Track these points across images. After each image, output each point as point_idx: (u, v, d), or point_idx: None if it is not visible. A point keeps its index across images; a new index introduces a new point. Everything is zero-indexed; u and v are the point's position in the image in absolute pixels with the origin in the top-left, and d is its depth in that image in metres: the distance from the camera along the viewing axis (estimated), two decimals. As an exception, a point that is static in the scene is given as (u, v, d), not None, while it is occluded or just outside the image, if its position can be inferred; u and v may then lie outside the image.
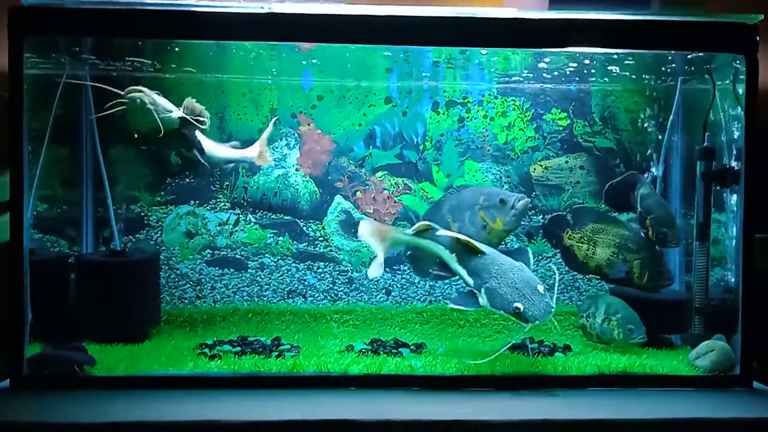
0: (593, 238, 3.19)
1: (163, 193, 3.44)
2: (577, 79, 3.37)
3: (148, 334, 3.13)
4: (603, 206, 3.39)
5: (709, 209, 2.99)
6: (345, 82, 3.46)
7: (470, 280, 2.73)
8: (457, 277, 2.85)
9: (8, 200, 2.61)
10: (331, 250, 3.52)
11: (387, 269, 3.52)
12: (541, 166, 3.55)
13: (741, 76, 2.76)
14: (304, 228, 3.51)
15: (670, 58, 3.00)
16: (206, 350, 2.90)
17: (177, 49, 2.97)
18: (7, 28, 2.56)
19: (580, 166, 3.55)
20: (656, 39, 2.74)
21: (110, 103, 2.71)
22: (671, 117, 3.33)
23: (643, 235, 3.14)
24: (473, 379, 2.69)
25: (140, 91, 2.71)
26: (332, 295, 3.51)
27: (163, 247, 3.43)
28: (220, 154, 3.17)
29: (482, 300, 2.66)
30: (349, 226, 3.50)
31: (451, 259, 2.82)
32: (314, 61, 3.16)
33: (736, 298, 2.78)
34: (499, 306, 2.61)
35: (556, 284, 2.75)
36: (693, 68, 3.12)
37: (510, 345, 2.72)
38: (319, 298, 3.51)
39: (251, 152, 3.26)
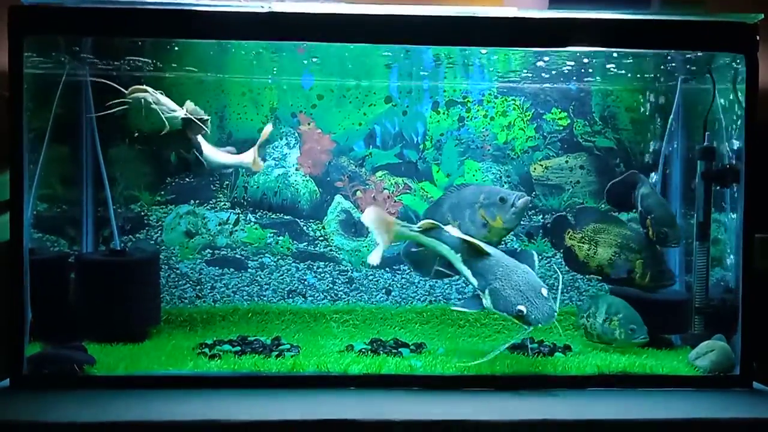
0: (595, 238, 3.19)
1: (163, 192, 3.45)
2: (583, 77, 3.37)
3: (148, 333, 3.13)
4: (603, 206, 3.39)
5: (709, 209, 2.99)
6: (345, 82, 3.47)
7: (474, 281, 2.73)
8: (458, 277, 2.85)
9: (8, 200, 2.61)
10: (331, 250, 3.52)
11: (387, 269, 3.52)
12: (542, 165, 3.55)
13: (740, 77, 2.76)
14: (304, 227, 3.51)
15: (669, 57, 3.00)
16: (206, 350, 2.90)
17: (177, 48, 2.97)
18: (7, 27, 2.56)
19: (580, 166, 3.55)
20: (656, 39, 2.73)
21: (113, 102, 2.71)
22: (671, 117, 3.33)
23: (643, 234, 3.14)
24: (473, 379, 2.69)
25: (144, 91, 2.71)
26: (332, 294, 3.51)
27: (163, 247, 3.44)
28: (218, 159, 3.17)
29: (486, 301, 2.67)
30: (349, 226, 3.50)
31: (456, 259, 2.82)
32: (314, 59, 3.16)
33: (736, 298, 2.78)
34: (503, 308, 2.62)
35: (560, 287, 2.75)
36: (694, 68, 3.12)
37: (496, 353, 2.71)
38: (319, 298, 3.51)
39: (247, 158, 3.25)
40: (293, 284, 3.50)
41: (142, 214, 3.43)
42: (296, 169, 3.50)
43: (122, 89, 2.72)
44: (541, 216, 3.55)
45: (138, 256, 3.26)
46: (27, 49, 2.60)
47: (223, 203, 3.49)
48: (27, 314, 2.63)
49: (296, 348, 2.96)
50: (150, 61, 3.10)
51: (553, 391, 2.65)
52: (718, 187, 2.97)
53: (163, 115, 2.72)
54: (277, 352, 2.86)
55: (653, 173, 3.40)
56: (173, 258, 3.44)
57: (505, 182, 3.53)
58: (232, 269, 3.48)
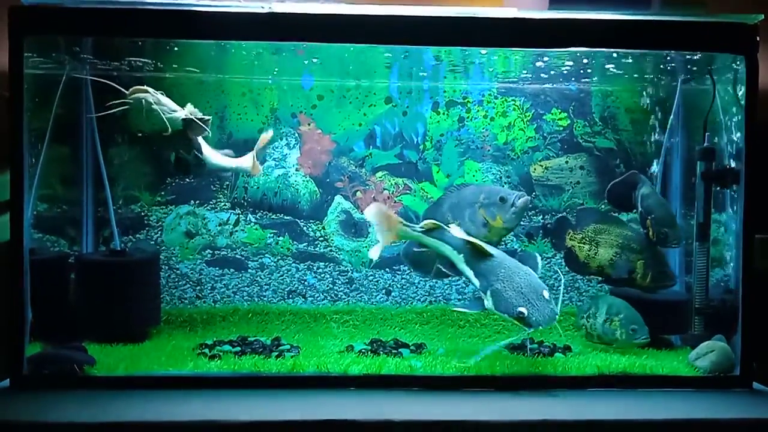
0: (595, 239, 3.19)
1: (163, 192, 3.45)
2: (583, 78, 3.37)
3: (148, 334, 3.13)
4: (604, 206, 3.39)
5: (709, 209, 2.98)
6: (345, 82, 3.47)
7: (476, 282, 2.74)
8: (458, 278, 2.85)
9: (8, 200, 2.61)
10: (331, 250, 3.52)
11: (387, 269, 3.52)
12: (542, 166, 3.55)
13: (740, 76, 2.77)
14: (304, 228, 3.51)
15: (669, 57, 3.00)
16: (206, 350, 2.90)
17: (177, 48, 2.97)
18: (7, 27, 2.56)
19: (580, 167, 3.55)
20: (656, 39, 2.73)
21: (114, 102, 2.71)
22: (671, 117, 3.33)
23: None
24: (473, 379, 2.69)
25: (145, 91, 2.71)
26: (332, 295, 3.51)
27: (163, 247, 3.44)
28: (217, 162, 3.16)
29: (487, 302, 2.67)
30: (349, 227, 3.49)
31: (459, 260, 2.82)
32: (315, 59, 3.16)
33: (736, 299, 2.78)
34: (504, 309, 2.62)
35: (562, 290, 2.75)
36: (695, 68, 3.12)
37: (484, 355, 2.70)
38: (319, 299, 3.51)
39: (245, 162, 3.25)
40: (293, 285, 3.50)
41: (143, 214, 3.43)
42: (296, 170, 3.50)
43: (123, 89, 2.72)
44: (541, 216, 3.55)
45: (138, 256, 3.26)
46: (27, 49, 2.60)
47: (223, 204, 3.49)
48: (27, 314, 2.63)
49: (296, 348, 2.96)
50: (150, 61, 3.10)
51: (554, 391, 2.65)
52: (718, 188, 2.97)
53: (163, 116, 2.72)
54: (277, 353, 2.86)
55: (653, 166, 3.40)
56: (173, 258, 3.44)
57: (505, 183, 3.53)
58: (232, 270, 3.48)
